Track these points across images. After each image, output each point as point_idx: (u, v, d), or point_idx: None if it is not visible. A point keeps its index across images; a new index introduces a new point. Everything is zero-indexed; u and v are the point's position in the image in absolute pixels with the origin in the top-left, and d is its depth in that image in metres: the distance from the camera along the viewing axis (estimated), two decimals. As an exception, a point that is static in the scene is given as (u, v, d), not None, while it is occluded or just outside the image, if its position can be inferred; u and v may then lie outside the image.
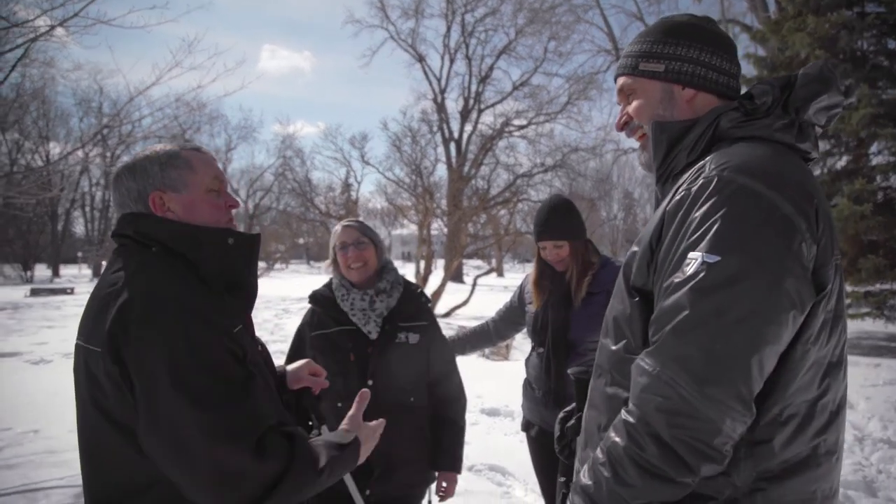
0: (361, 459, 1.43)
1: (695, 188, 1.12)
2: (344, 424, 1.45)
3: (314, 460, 1.25)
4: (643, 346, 1.16)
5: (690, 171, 1.18)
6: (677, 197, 1.15)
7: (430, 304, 2.53)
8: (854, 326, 13.09)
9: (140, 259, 1.29)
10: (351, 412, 1.48)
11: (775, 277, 1.02)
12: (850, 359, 9.38)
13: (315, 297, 2.46)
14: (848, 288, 11.42)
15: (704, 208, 1.08)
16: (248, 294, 1.42)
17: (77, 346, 1.28)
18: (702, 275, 1.03)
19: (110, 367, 1.16)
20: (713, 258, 1.03)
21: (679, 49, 1.32)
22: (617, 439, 1.08)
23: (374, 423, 1.52)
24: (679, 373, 1.01)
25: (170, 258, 1.30)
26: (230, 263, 1.36)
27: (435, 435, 2.37)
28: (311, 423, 1.70)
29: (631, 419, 1.06)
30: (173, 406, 1.13)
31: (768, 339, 1.01)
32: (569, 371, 1.78)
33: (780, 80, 1.25)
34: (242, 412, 1.17)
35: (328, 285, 2.46)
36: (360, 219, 2.55)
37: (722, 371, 1.00)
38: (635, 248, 1.24)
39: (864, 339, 12.25)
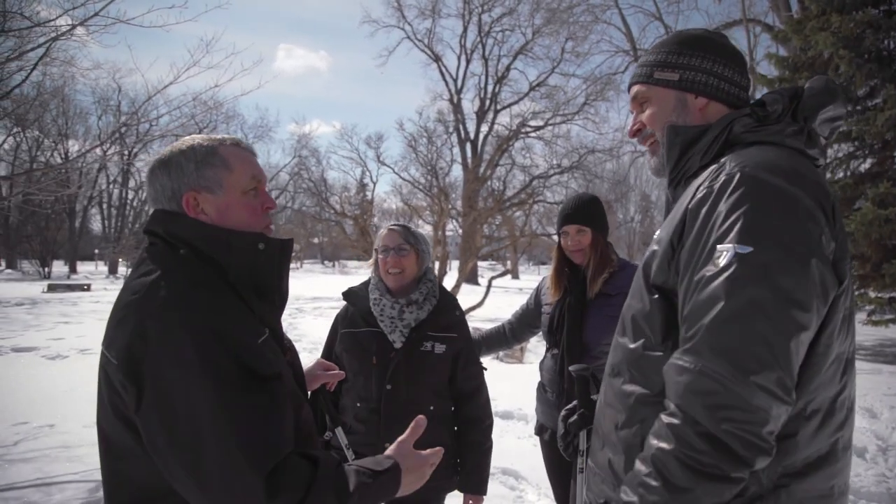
0: (405, 491, 1.29)
1: (717, 185, 1.15)
2: (390, 450, 1.33)
3: (339, 488, 1.15)
4: (662, 342, 1.21)
5: (708, 171, 1.22)
6: (699, 195, 1.18)
7: (463, 317, 2.48)
8: (877, 333, 12.87)
9: (166, 265, 1.24)
10: (402, 437, 1.37)
11: (805, 266, 1.05)
12: (873, 366, 9.27)
13: (349, 295, 2.45)
14: (871, 294, 11.22)
15: (730, 202, 1.11)
16: (279, 299, 1.38)
17: (102, 351, 1.24)
18: (735, 265, 1.05)
19: (125, 381, 1.13)
20: (745, 249, 1.05)
21: (693, 60, 1.38)
22: (662, 444, 1.06)
23: (428, 451, 1.38)
24: (724, 365, 1.01)
25: (198, 262, 1.26)
26: (260, 269, 1.31)
27: (462, 455, 2.35)
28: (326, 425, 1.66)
29: (676, 420, 1.05)
30: (188, 428, 1.09)
31: (803, 324, 1.04)
32: (570, 368, 1.78)
33: (789, 90, 1.31)
34: (259, 439, 1.11)
35: (366, 283, 2.45)
36: (405, 223, 2.50)
37: (765, 359, 1.01)
38: (655, 247, 1.27)
39: (887, 346, 12.04)
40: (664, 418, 1.08)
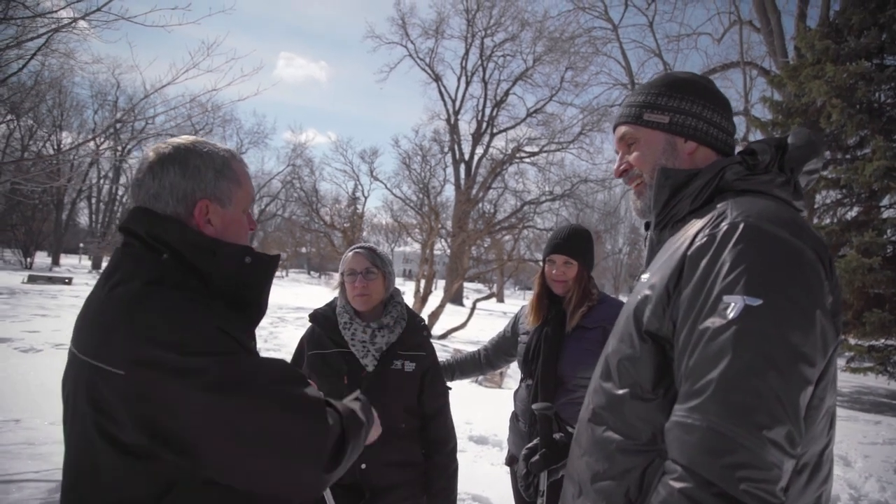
0: (372, 435, 1.49)
1: (720, 233, 1.12)
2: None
3: (358, 420, 1.33)
4: (653, 390, 1.18)
5: (708, 218, 1.19)
6: (699, 242, 1.15)
7: (430, 337, 2.50)
8: (856, 381, 12.97)
9: (149, 271, 1.19)
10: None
11: (811, 319, 1.04)
12: (850, 414, 9.30)
13: (316, 317, 2.43)
14: (851, 341, 11.31)
15: (735, 252, 1.08)
16: (256, 314, 1.35)
17: (77, 358, 1.16)
18: (746, 319, 1.02)
19: (130, 392, 1.07)
20: (755, 301, 1.03)
21: (683, 103, 1.37)
22: None
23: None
24: (737, 422, 0.98)
25: (181, 269, 1.22)
26: (243, 282, 1.28)
27: (428, 479, 2.33)
28: None
29: (688, 484, 1.00)
30: (261, 418, 1.11)
31: (809, 379, 1.02)
32: (533, 407, 1.76)
33: (773, 140, 1.31)
34: (306, 393, 1.20)
35: (331, 305, 2.43)
36: (371, 244, 2.48)
37: (778, 414, 0.98)
38: (647, 292, 1.22)
39: (864, 394, 12.11)
40: (673, 483, 1.02)
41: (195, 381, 1.07)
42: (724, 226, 1.13)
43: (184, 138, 1.34)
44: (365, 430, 1.35)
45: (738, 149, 1.39)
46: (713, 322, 1.05)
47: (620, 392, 1.23)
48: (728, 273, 1.07)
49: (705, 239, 1.14)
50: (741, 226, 1.11)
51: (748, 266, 1.06)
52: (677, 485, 1.01)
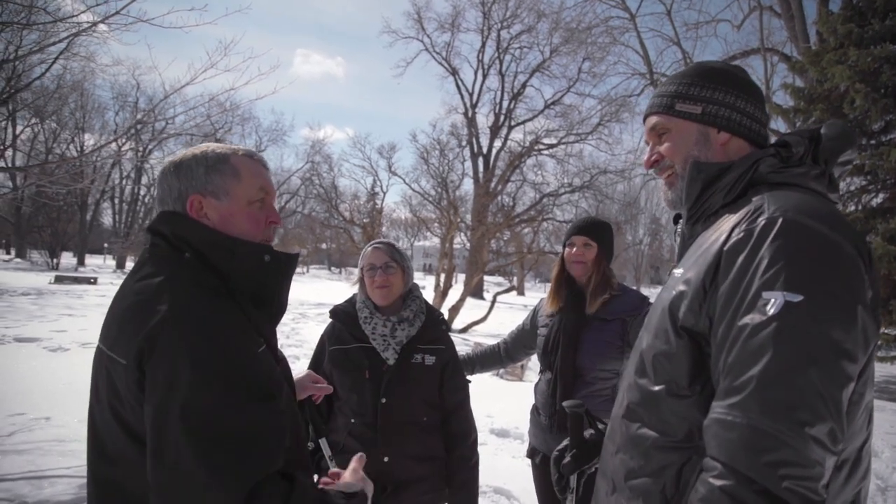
0: None
1: (757, 228, 1.11)
2: (347, 476, 1.40)
3: None
4: (689, 386, 1.17)
5: (744, 212, 1.18)
6: (736, 237, 1.14)
7: (448, 331, 2.52)
8: (883, 370, 12.74)
9: (171, 268, 1.24)
10: (353, 467, 1.42)
11: (852, 315, 1.03)
12: (877, 403, 9.13)
13: (336, 313, 2.46)
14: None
15: (774, 247, 1.07)
16: (276, 311, 1.38)
17: (99, 349, 1.24)
18: (786, 315, 1.02)
19: (132, 382, 1.13)
20: (796, 297, 1.02)
21: (716, 93, 1.35)
22: None
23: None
24: (779, 419, 0.98)
25: (201, 267, 1.26)
26: (262, 280, 1.32)
27: (450, 471, 2.36)
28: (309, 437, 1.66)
29: (728, 482, 1.00)
30: (179, 433, 1.07)
31: (851, 375, 1.02)
32: (563, 404, 1.75)
33: (807, 131, 1.29)
34: (248, 453, 1.10)
35: (351, 301, 2.47)
36: (390, 240, 2.52)
37: (820, 411, 0.98)
38: (682, 288, 1.21)
39: (892, 383, 11.92)
40: (713, 481, 1.02)
41: (172, 389, 1.09)
42: (761, 220, 1.11)
43: (198, 146, 1.40)
44: None
45: (772, 138, 1.36)
46: (752, 318, 1.04)
47: (656, 388, 1.22)
48: (767, 269, 1.06)
49: (742, 234, 1.13)
50: (779, 220, 1.09)
51: (787, 262, 1.05)
52: (718, 482, 1.01)
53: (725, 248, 1.14)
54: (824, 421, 0.97)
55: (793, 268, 1.04)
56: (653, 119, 1.42)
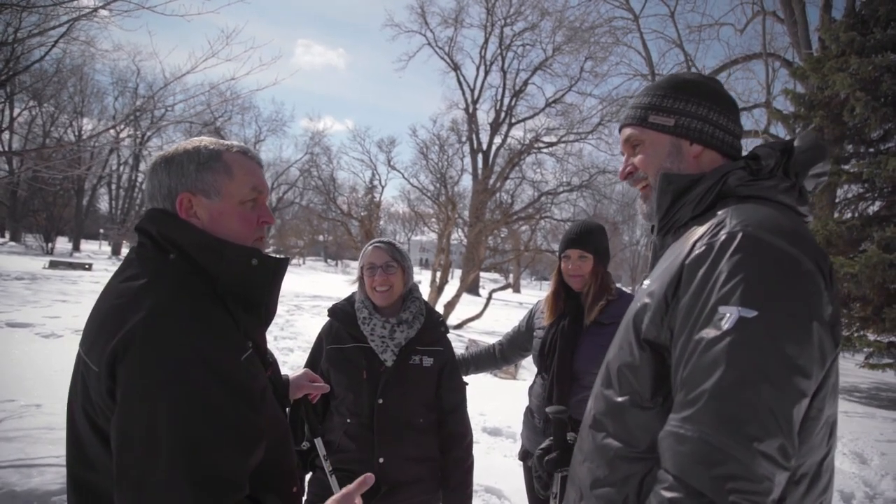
0: None
1: (718, 242, 1.12)
2: (334, 499, 1.24)
3: None
4: (651, 398, 1.18)
5: (707, 226, 1.19)
6: (697, 251, 1.14)
7: (447, 332, 2.50)
8: (874, 377, 12.81)
9: (155, 270, 1.21)
10: (346, 489, 1.24)
11: (807, 331, 1.03)
12: (867, 410, 9.19)
13: (334, 312, 2.44)
14: (871, 337, 11.16)
15: (732, 262, 1.08)
16: (265, 315, 1.34)
17: (78, 353, 1.21)
18: (740, 330, 1.02)
19: (104, 391, 1.09)
20: (750, 312, 1.02)
21: (689, 105, 1.35)
22: None
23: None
24: (728, 433, 0.98)
25: (187, 269, 1.23)
26: (250, 284, 1.28)
27: (445, 472, 2.36)
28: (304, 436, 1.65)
29: (677, 494, 1.01)
30: (142, 449, 1.04)
31: (805, 391, 1.02)
32: (547, 410, 1.79)
33: (779, 144, 1.30)
34: (214, 477, 1.06)
35: (350, 300, 2.44)
36: (391, 239, 2.49)
37: (770, 426, 0.98)
38: (646, 300, 1.22)
39: (883, 390, 11.97)
40: (664, 493, 1.03)
41: (139, 400, 1.06)
42: (722, 235, 1.12)
43: (190, 140, 1.36)
44: None
45: (759, 142, 1.36)
46: (708, 333, 1.05)
47: (620, 399, 1.23)
48: (724, 283, 1.06)
49: (703, 248, 1.13)
50: (739, 235, 1.10)
51: (744, 277, 1.05)
52: (667, 494, 1.02)
53: (687, 262, 1.15)
54: (774, 436, 0.98)
55: (749, 283, 1.04)
56: (627, 131, 1.42)
